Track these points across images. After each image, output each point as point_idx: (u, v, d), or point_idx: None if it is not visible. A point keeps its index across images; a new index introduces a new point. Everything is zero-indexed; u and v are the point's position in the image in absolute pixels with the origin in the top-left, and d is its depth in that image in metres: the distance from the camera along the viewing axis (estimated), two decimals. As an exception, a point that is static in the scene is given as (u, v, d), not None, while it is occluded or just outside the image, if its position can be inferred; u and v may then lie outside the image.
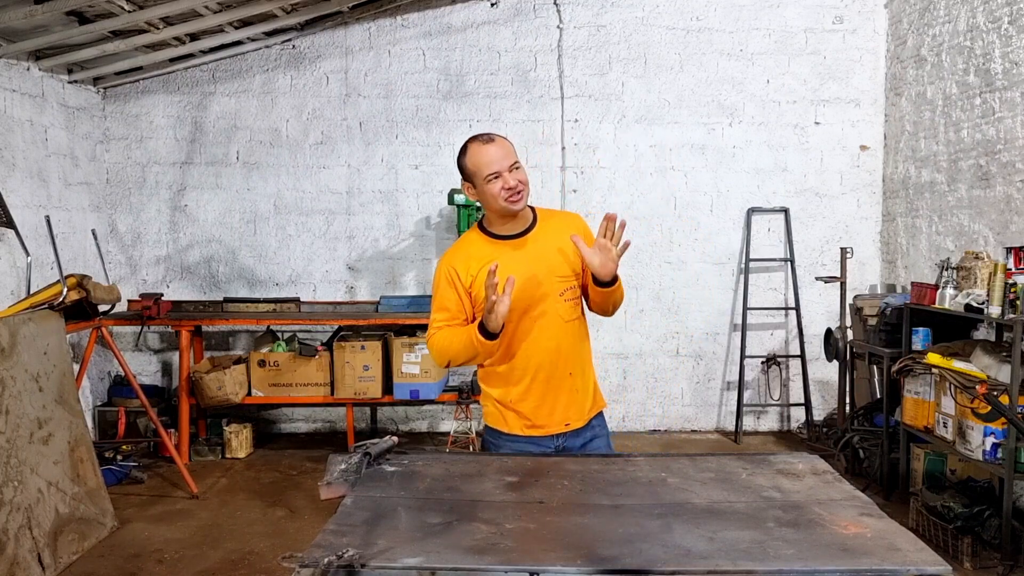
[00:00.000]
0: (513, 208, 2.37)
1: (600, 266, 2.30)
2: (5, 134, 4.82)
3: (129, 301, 5.85)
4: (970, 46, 5.01)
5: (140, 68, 5.81)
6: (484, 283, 2.24)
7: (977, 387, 3.76)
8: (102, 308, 4.85)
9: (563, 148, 6.16)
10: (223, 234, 6.18)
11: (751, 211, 6.21)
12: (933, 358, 4.18)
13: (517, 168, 2.36)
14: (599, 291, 2.39)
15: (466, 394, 5.51)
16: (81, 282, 4.51)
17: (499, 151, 2.35)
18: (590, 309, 2.54)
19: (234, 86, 6.10)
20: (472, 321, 2.41)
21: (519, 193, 2.35)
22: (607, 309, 2.49)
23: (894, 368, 4.52)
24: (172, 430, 5.44)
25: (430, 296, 6.02)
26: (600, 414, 2.58)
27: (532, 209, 2.51)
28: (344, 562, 1.47)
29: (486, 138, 2.38)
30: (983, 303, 4.04)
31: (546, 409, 2.45)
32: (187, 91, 6.09)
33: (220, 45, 5.76)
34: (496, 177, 2.33)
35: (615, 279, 2.36)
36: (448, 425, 6.17)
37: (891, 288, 5.99)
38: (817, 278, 6.01)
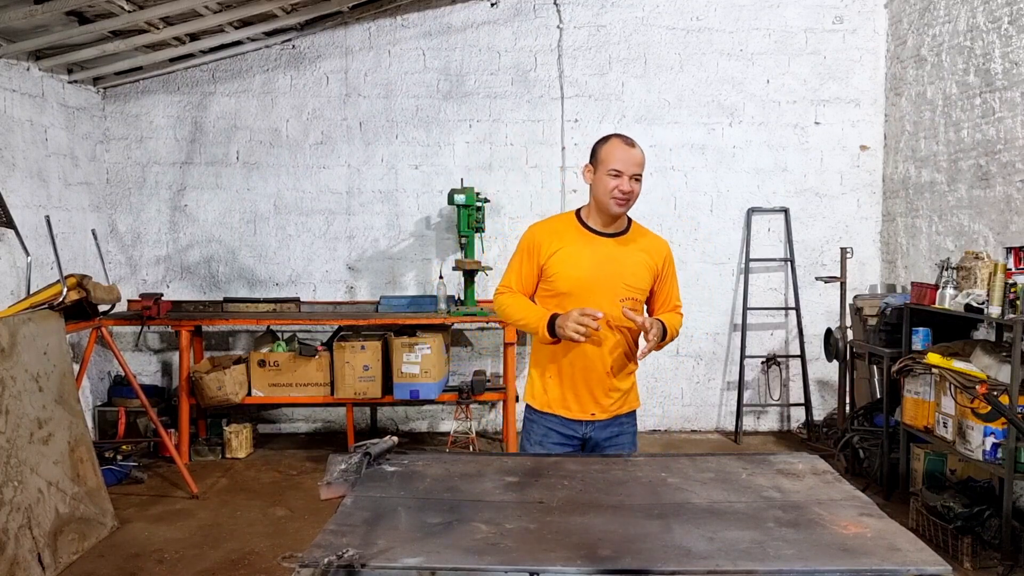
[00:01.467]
0: (615, 208, 2.57)
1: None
2: (5, 134, 4.82)
3: (129, 301, 5.85)
4: (970, 46, 5.01)
5: (140, 68, 5.81)
6: (582, 318, 2.43)
7: (977, 387, 3.76)
8: (102, 308, 4.84)
9: (563, 148, 6.16)
10: (223, 234, 6.18)
11: (751, 211, 6.21)
12: (933, 358, 4.18)
13: (637, 180, 2.57)
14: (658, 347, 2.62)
15: (466, 394, 5.51)
16: (81, 282, 4.51)
17: (633, 158, 2.55)
18: None
19: (234, 86, 6.10)
20: (534, 290, 2.68)
21: (626, 200, 2.56)
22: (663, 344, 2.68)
23: (894, 368, 4.52)
24: (172, 430, 5.44)
25: (430, 296, 6.10)
26: (632, 412, 2.80)
27: (629, 219, 2.72)
28: (344, 562, 1.47)
29: (630, 141, 2.58)
30: (983, 303, 4.04)
31: (575, 394, 2.65)
32: (187, 91, 6.09)
33: (220, 45, 5.76)
34: (617, 175, 2.53)
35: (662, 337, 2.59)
36: (448, 425, 6.17)
37: (891, 288, 5.99)
38: (817, 278, 6.01)
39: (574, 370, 2.64)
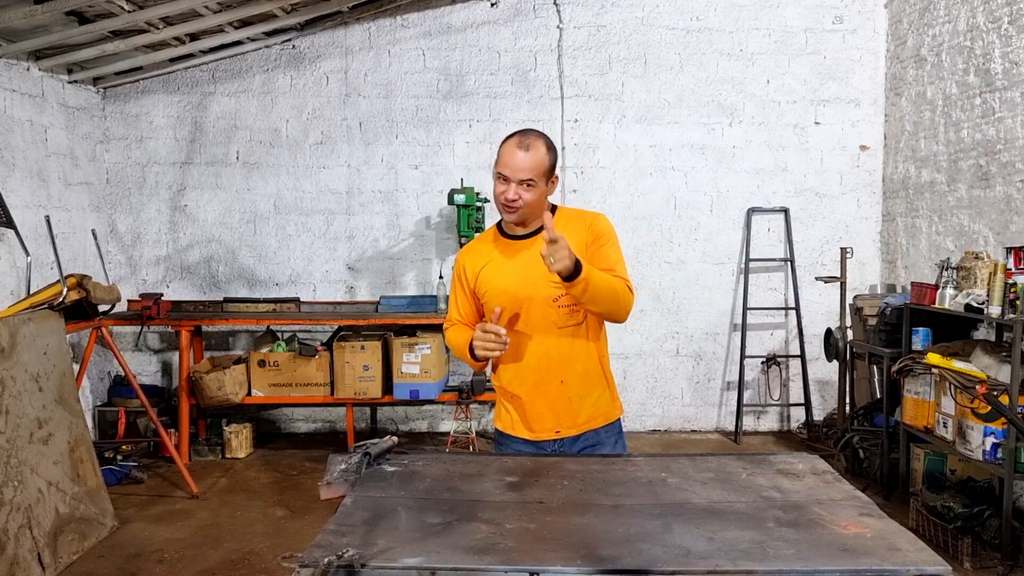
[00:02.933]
0: (505, 215, 2.37)
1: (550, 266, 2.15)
2: (5, 134, 4.82)
3: (129, 301, 5.85)
4: (970, 46, 5.01)
5: (140, 68, 5.81)
6: (482, 335, 2.27)
7: (977, 387, 3.76)
8: (102, 308, 4.84)
9: (563, 148, 6.16)
10: (223, 234, 6.18)
11: (751, 211, 6.21)
12: (933, 358, 4.18)
13: (529, 186, 2.29)
14: (568, 291, 2.21)
15: (466, 394, 5.52)
16: (81, 282, 4.51)
17: (520, 162, 2.27)
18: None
19: (234, 86, 6.10)
20: (479, 316, 2.49)
21: (514, 205, 2.31)
22: (593, 310, 2.32)
23: (894, 368, 4.52)
24: (172, 430, 5.44)
25: (430, 296, 6.10)
26: (614, 425, 2.50)
27: (554, 210, 2.43)
28: (344, 562, 1.47)
29: (525, 143, 2.30)
30: (983, 303, 4.04)
31: (535, 412, 2.43)
32: (187, 91, 6.09)
33: (220, 45, 5.76)
34: (504, 180, 2.31)
35: (573, 275, 2.13)
36: (448, 425, 6.17)
37: (891, 288, 5.99)
38: (817, 278, 6.01)
39: (526, 387, 2.42)
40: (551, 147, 2.36)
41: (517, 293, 2.37)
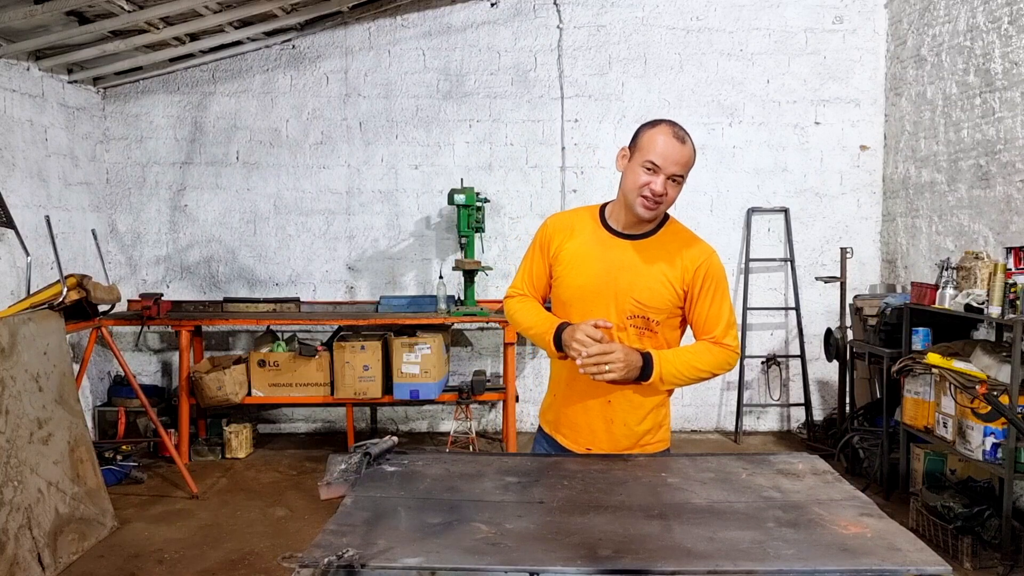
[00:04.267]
0: (640, 210, 2.13)
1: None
2: (5, 134, 4.82)
3: (129, 301, 5.85)
4: (970, 46, 5.01)
5: (140, 68, 5.81)
6: (587, 332, 2.08)
7: (977, 387, 3.76)
8: (102, 308, 4.84)
9: (563, 148, 6.16)
10: (223, 234, 6.18)
11: (751, 211, 6.21)
12: (933, 358, 4.18)
13: (676, 182, 2.11)
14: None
15: (466, 394, 5.51)
16: (81, 282, 4.50)
17: (678, 154, 2.09)
18: None
19: (234, 86, 6.10)
20: (549, 291, 2.32)
21: (656, 203, 2.11)
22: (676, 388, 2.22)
23: (894, 368, 4.52)
24: (172, 430, 5.44)
25: (430, 296, 6.10)
26: (656, 455, 2.27)
27: (667, 219, 2.25)
28: (344, 562, 1.47)
29: (681, 135, 2.12)
30: (983, 303, 4.04)
31: (570, 420, 2.29)
32: (187, 91, 6.09)
33: (220, 45, 5.75)
34: (652, 170, 2.09)
35: (642, 379, 2.08)
36: (448, 425, 6.17)
37: (891, 288, 5.99)
38: (817, 278, 6.01)
39: (572, 393, 2.25)
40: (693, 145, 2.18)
41: (593, 293, 2.18)
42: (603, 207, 2.29)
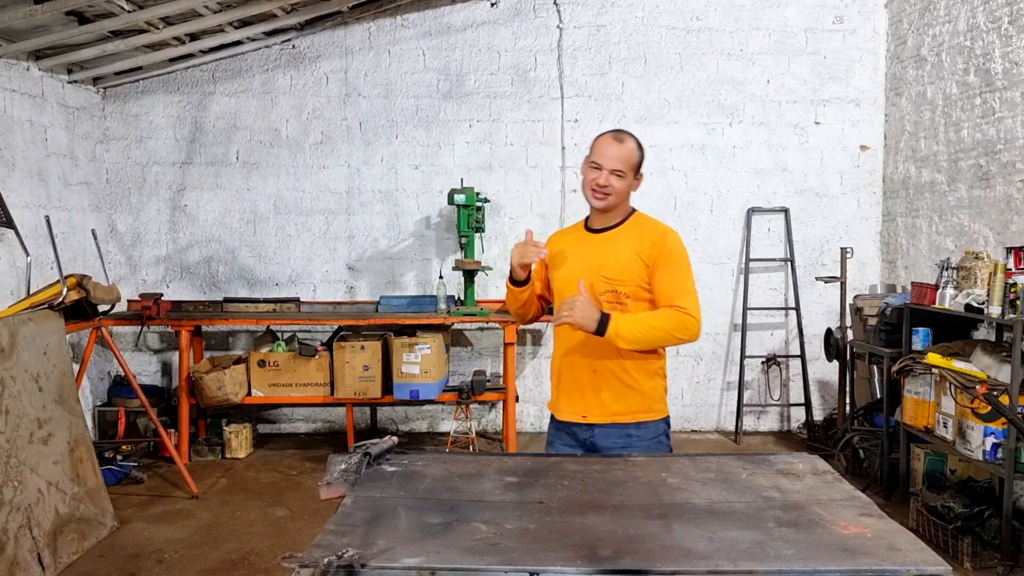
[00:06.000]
0: (593, 201, 2.54)
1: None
2: (5, 134, 4.82)
3: (129, 301, 5.85)
4: (970, 46, 5.01)
5: (140, 68, 5.81)
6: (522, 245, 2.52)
7: (977, 387, 3.76)
8: (102, 308, 4.84)
9: (563, 148, 6.16)
10: (223, 234, 6.18)
11: (751, 211, 6.21)
12: (933, 358, 4.18)
13: (617, 175, 2.49)
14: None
15: (466, 394, 5.51)
16: (81, 282, 4.50)
17: (615, 152, 2.49)
18: None
19: (234, 86, 6.10)
20: (546, 288, 2.72)
21: (603, 194, 2.49)
22: (636, 351, 2.47)
23: (894, 368, 4.52)
24: (172, 430, 5.44)
25: (430, 296, 6.11)
26: (650, 425, 2.53)
27: (631, 212, 2.62)
28: (344, 562, 1.47)
29: (620, 137, 2.53)
30: (983, 303, 4.04)
31: (567, 395, 2.58)
32: (187, 91, 6.09)
33: (220, 45, 5.75)
34: (596, 168, 2.50)
35: (599, 330, 2.38)
36: (448, 425, 6.17)
37: (891, 288, 5.99)
38: (817, 278, 6.01)
39: (564, 370, 2.58)
40: (640, 146, 2.57)
41: (573, 279, 2.50)
42: (587, 217, 2.69)
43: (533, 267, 2.65)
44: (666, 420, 2.58)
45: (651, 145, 6.13)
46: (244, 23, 5.50)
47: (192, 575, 3.78)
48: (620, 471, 2.10)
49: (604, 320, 2.37)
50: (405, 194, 6.18)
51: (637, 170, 2.56)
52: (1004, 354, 3.92)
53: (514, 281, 2.61)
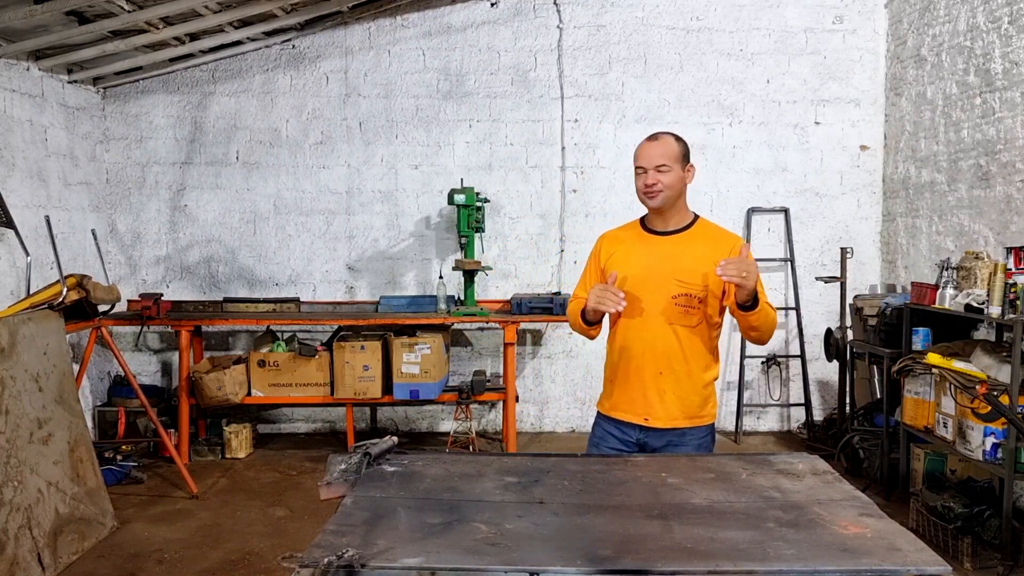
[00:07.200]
0: (648, 203, 2.57)
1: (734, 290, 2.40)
2: (5, 134, 4.82)
3: (129, 301, 5.85)
4: (970, 46, 5.01)
5: (140, 68, 5.81)
6: (601, 291, 2.47)
7: (977, 387, 3.76)
8: (102, 308, 4.84)
9: (563, 148, 6.16)
10: (223, 234, 6.18)
11: (751, 211, 6.21)
12: (933, 358, 4.18)
13: (662, 171, 2.51)
14: (739, 314, 2.46)
15: (466, 394, 5.51)
16: (81, 282, 4.51)
17: (652, 150, 2.53)
18: (744, 336, 2.59)
19: (234, 86, 6.10)
20: None
21: (654, 190, 2.52)
22: (750, 335, 2.54)
23: (894, 368, 4.52)
24: (172, 430, 5.44)
25: (430, 296, 6.11)
26: (701, 429, 2.57)
27: (696, 218, 2.66)
28: (344, 562, 1.47)
29: (654, 136, 2.57)
30: (983, 303, 4.04)
31: (628, 396, 2.58)
32: (187, 91, 6.09)
33: (220, 45, 5.75)
34: (642, 172, 2.54)
35: (753, 303, 2.39)
36: (448, 425, 6.17)
37: (891, 288, 5.99)
38: (817, 278, 6.01)
39: (628, 371, 2.58)
40: (680, 139, 2.59)
41: (640, 280, 2.53)
42: (643, 217, 2.71)
43: (590, 276, 2.67)
44: (713, 424, 2.62)
45: (651, 145, 6.16)
46: (244, 23, 5.50)
47: (192, 575, 3.78)
48: (620, 471, 2.10)
49: (755, 293, 2.37)
50: (405, 194, 6.18)
51: (685, 161, 2.57)
52: (1004, 354, 3.92)
53: (586, 321, 2.60)
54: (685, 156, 2.58)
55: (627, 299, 2.49)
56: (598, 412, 2.72)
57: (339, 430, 6.29)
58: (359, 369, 5.38)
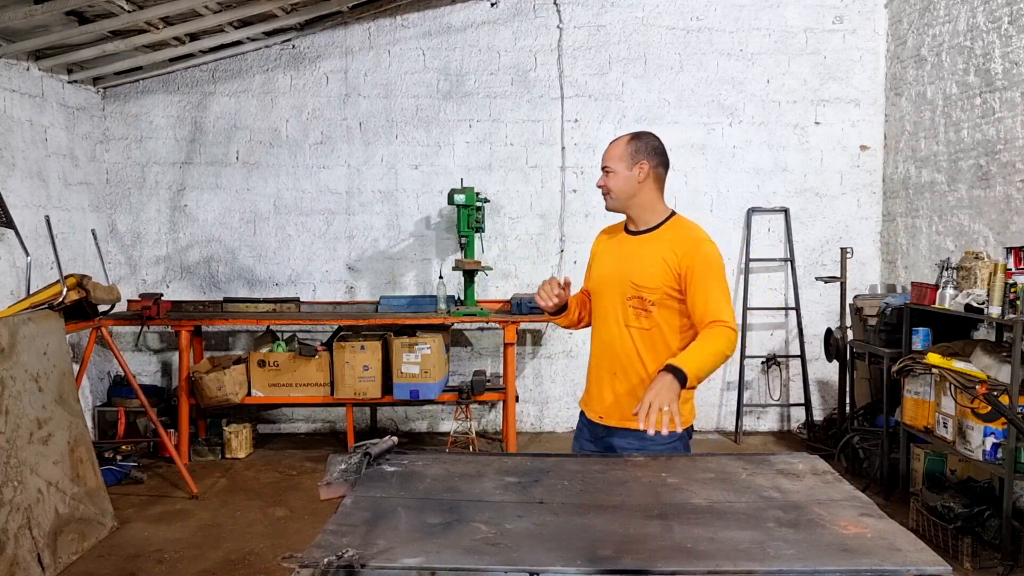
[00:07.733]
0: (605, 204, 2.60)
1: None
2: (5, 134, 4.81)
3: (129, 301, 5.85)
4: (970, 46, 5.01)
5: (140, 68, 5.81)
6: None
7: (977, 387, 3.76)
8: (102, 308, 4.84)
9: (563, 148, 6.16)
10: (223, 234, 6.18)
11: (751, 211, 6.21)
12: (933, 358, 4.18)
13: (607, 172, 2.55)
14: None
15: (466, 394, 5.51)
16: (81, 282, 4.50)
17: (608, 151, 2.57)
18: None
19: (234, 86, 6.10)
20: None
21: (603, 193, 2.58)
22: None
23: (894, 368, 4.52)
24: (172, 430, 5.44)
25: (430, 296, 6.12)
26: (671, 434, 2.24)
27: (668, 217, 2.58)
28: (344, 562, 1.47)
29: (615, 138, 2.61)
30: (983, 303, 4.04)
31: (590, 393, 2.65)
32: (187, 91, 6.09)
33: (220, 45, 5.75)
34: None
35: (685, 384, 2.19)
36: (448, 425, 6.17)
37: (891, 288, 5.99)
38: (817, 278, 6.01)
39: (590, 369, 2.65)
40: (636, 137, 2.56)
41: (604, 281, 2.59)
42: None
43: (570, 293, 2.67)
44: (686, 430, 2.48)
45: (651, 145, 6.16)
46: (244, 23, 5.50)
47: (192, 575, 3.77)
48: (620, 471, 2.09)
49: (679, 375, 2.16)
50: (405, 194, 6.18)
51: (634, 159, 2.49)
52: (1004, 354, 3.92)
53: (550, 312, 2.66)
54: (633, 155, 2.49)
55: (595, 299, 2.62)
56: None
57: (339, 430, 6.29)
58: (359, 369, 5.38)
